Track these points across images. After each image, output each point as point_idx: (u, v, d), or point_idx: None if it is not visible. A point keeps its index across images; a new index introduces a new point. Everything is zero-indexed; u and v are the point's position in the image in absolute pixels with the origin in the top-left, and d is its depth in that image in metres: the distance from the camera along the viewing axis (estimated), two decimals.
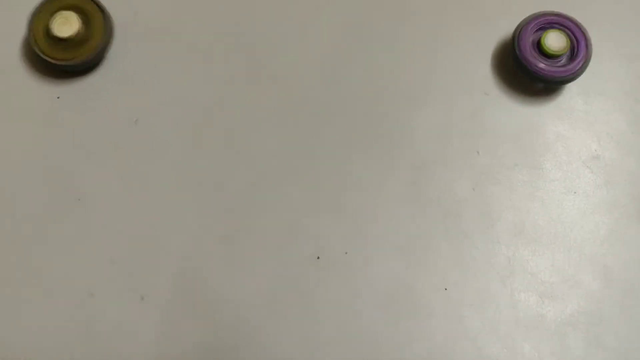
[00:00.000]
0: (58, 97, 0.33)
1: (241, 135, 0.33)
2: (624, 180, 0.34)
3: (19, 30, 0.34)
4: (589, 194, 0.33)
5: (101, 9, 0.33)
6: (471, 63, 0.35)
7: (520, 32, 0.34)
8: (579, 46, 0.34)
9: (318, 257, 0.32)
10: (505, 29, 0.36)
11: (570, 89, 0.35)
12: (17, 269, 0.31)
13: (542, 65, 0.33)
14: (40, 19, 0.33)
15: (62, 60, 0.32)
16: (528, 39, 0.34)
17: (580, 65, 0.33)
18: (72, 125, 0.33)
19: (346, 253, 0.32)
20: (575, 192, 0.33)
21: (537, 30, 0.34)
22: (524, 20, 0.34)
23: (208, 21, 0.35)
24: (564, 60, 0.34)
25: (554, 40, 0.33)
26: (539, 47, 0.34)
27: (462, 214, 0.33)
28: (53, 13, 0.33)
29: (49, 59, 0.32)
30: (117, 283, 0.31)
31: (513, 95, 0.35)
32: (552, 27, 0.34)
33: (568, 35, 0.34)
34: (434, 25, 0.36)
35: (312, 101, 0.34)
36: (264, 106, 0.34)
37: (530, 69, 0.33)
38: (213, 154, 0.33)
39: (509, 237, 0.32)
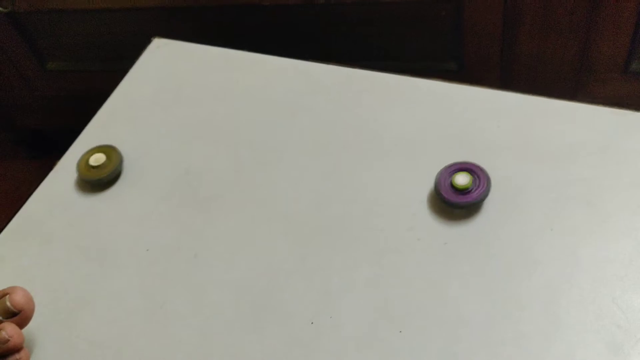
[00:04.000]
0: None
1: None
2: None
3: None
4: None
5: (116, 151, 0.56)
6: (412, 197, 0.50)
7: (438, 179, 0.49)
8: (480, 180, 0.49)
9: None
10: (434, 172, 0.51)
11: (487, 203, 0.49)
12: None
13: (454, 198, 0.48)
14: (83, 159, 0.56)
15: (94, 177, 0.54)
16: (445, 182, 0.49)
17: (482, 192, 0.48)
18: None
19: None
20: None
21: (450, 175, 0.49)
22: (439, 171, 0.50)
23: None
24: (473, 190, 0.48)
25: (460, 179, 0.48)
26: (452, 185, 0.49)
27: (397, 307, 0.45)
28: (90, 155, 0.56)
29: (85, 178, 0.54)
30: None
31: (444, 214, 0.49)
32: (460, 171, 0.49)
33: (471, 174, 0.49)
34: (383, 171, 0.52)
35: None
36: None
37: (449, 202, 0.48)
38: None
39: None
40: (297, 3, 0.90)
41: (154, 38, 0.69)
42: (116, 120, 0.62)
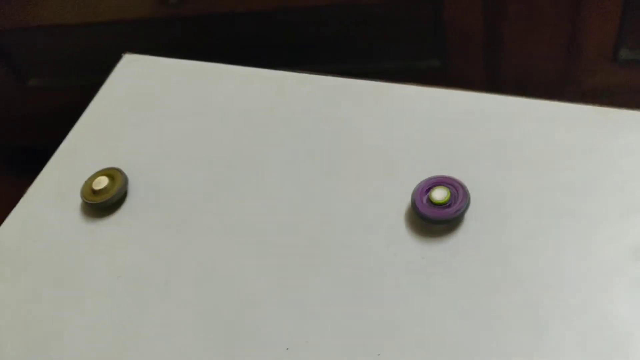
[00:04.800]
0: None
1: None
2: None
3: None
4: None
5: (121, 173, 0.54)
6: (391, 213, 0.48)
7: (415, 195, 0.47)
8: (458, 194, 0.47)
9: None
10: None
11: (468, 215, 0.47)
12: None
13: (433, 213, 0.46)
14: (87, 182, 0.54)
15: (96, 201, 0.53)
16: (422, 197, 0.47)
17: (461, 206, 0.46)
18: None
19: None
20: None
21: (428, 190, 0.47)
22: (417, 185, 0.48)
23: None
24: (451, 205, 0.47)
25: (437, 194, 0.47)
26: (429, 200, 0.47)
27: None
28: (93, 178, 0.54)
29: (89, 201, 0.53)
30: None
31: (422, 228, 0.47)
32: (437, 185, 0.47)
33: (449, 189, 0.47)
34: (359, 185, 0.50)
35: None
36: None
37: (426, 217, 0.46)
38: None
39: None
40: (270, 9, 0.88)
41: (124, 54, 0.67)
42: (90, 140, 0.60)
